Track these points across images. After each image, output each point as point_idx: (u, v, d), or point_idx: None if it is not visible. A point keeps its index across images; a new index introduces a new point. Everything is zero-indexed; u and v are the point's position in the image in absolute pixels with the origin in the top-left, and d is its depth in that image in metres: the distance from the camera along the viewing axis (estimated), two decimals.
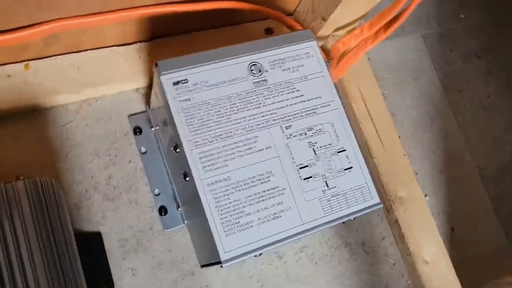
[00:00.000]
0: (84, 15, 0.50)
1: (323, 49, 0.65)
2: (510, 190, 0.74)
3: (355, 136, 0.50)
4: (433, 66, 0.76)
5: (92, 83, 0.55)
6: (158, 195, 0.56)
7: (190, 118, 0.45)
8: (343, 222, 0.61)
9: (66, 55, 0.55)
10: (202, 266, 0.54)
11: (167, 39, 0.59)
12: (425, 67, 0.76)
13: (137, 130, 0.58)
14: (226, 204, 0.44)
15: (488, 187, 0.73)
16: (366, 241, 0.63)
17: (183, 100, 0.46)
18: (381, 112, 0.64)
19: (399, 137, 0.64)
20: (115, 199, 0.55)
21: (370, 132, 0.63)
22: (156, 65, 0.46)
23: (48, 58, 0.55)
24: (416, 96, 0.73)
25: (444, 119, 0.74)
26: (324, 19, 0.58)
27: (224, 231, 0.43)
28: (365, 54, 0.65)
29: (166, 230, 0.55)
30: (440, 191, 0.70)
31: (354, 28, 0.63)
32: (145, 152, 0.57)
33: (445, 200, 0.70)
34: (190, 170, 0.44)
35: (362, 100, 0.64)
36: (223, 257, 0.43)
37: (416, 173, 0.69)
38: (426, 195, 0.69)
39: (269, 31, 0.63)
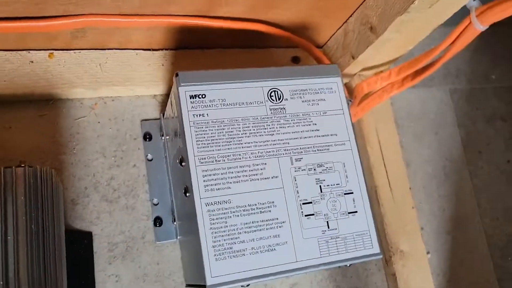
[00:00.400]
0: (116, 15, 0.50)
1: (347, 87, 0.64)
2: None
3: (365, 181, 0.48)
4: (456, 122, 0.75)
5: (111, 82, 0.55)
6: (156, 205, 0.55)
7: (201, 134, 0.45)
8: (339, 266, 0.59)
9: (91, 50, 0.55)
10: (187, 286, 0.53)
11: (194, 51, 0.59)
12: (448, 122, 0.74)
13: (147, 136, 0.57)
14: (221, 227, 0.43)
15: (494, 256, 0.70)
16: None
17: (197, 115, 0.45)
18: (395, 160, 0.63)
19: (410, 188, 0.62)
20: (112, 202, 0.54)
21: (381, 178, 0.61)
22: (177, 75, 0.46)
23: (72, 51, 0.55)
24: (434, 149, 0.72)
25: (459, 178, 0.72)
26: (353, 57, 0.57)
27: (215, 255, 0.42)
28: (388, 98, 0.64)
29: (157, 242, 0.54)
30: (444, 251, 0.68)
31: (382, 71, 0.62)
32: (151, 159, 0.56)
33: (447, 261, 0.67)
34: (192, 186, 0.43)
35: (378, 145, 0.62)
36: (209, 281, 0.41)
37: (422, 228, 0.67)
38: (428, 253, 0.66)
39: (295, 60, 0.62)
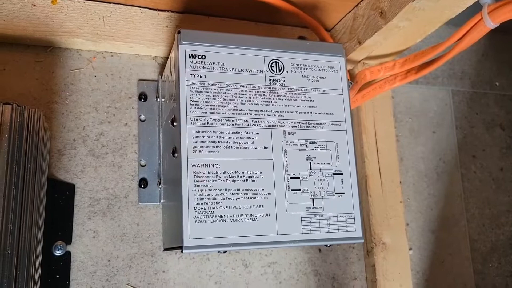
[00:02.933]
0: None
1: (350, 74, 0.63)
2: (495, 272, 0.71)
3: (356, 164, 0.48)
4: (455, 124, 0.74)
5: (112, 36, 0.54)
6: (143, 166, 0.54)
7: (196, 95, 0.44)
8: (319, 250, 0.59)
9: (96, 2, 0.54)
10: (165, 249, 0.52)
11: (200, 17, 0.58)
12: (446, 122, 0.74)
13: (142, 97, 0.56)
14: (205, 190, 0.42)
15: (475, 261, 0.70)
16: (337, 277, 0.60)
17: (194, 75, 0.44)
18: (389, 153, 0.62)
19: (400, 182, 0.62)
20: (99, 157, 0.53)
21: (373, 169, 0.61)
22: (179, 32, 0.45)
23: (77, 0, 0.54)
24: (429, 148, 0.71)
25: (450, 180, 0.71)
26: (360, 43, 0.57)
27: (195, 217, 0.41)
28: (390, 90, 0.63)
29: (140, 203, 0.53)
30: (426, 249, 0.67)
31: (387, 61, 0.61)
32: (144, 120, 0.56)
33: (428, 260, 0.67)
34: (180, 146, 0.42)
35: (374, 135, 0.62)
36: (186, 242, 0.40)
37: (407, 224, 0.67)
38: (410, 249, 0.66)
39: (302, 39, 0.61)
